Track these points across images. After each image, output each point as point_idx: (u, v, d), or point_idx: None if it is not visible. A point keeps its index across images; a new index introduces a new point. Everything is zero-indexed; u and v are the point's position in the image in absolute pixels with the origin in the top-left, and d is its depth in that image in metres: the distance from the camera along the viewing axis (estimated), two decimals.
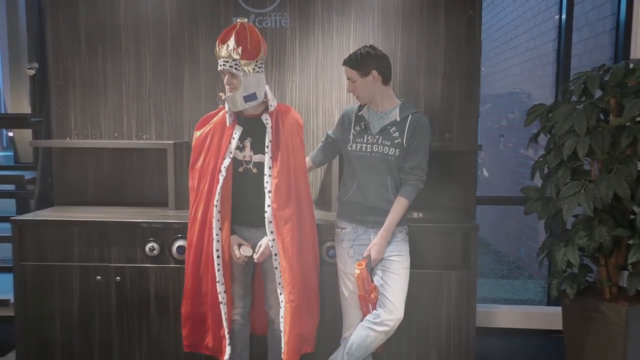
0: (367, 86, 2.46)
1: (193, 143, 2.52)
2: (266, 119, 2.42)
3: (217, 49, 2.33)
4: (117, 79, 3.32)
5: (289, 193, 2.40)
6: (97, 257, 2.89)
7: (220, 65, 2.34)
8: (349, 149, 2.53)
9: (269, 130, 2.41)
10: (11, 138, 4.08)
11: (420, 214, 3.02)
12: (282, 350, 2.39)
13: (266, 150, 2.40)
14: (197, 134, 2.51)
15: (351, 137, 2.54)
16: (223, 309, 2.42)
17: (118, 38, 3.28)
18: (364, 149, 2.50)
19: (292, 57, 3.28)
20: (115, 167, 3.35)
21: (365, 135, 2.50)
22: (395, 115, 2.49)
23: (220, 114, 2.51)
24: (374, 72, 2.44)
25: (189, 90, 3.32)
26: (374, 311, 2.44)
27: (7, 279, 3.05)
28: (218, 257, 2.41)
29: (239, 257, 2.43)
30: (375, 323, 2.42)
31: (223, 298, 2.41)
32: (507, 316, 3.57)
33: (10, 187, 4.00)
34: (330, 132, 2.72)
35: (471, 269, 2.78)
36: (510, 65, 6.30)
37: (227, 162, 2.39)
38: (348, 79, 2.49)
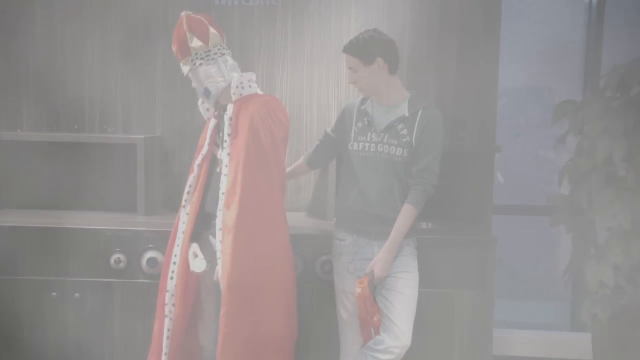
0: (371, 76, 2.45)
1: None
2: (228, 110, 2.41)
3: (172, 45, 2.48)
4: (78, 59, 3.26)
5: (238, 198, 2.31)
6: (52, 270, 2.85)
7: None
8: (350, 148, 2.53)
9: (226, 121, 2.39)
10: None
11: (429, 224, 3.02)
12: None
13: (224, 145, 2.38)
14: None
15: (352, 135, 2.53)
16: (167, 323, 2.38)
17: (79, 9, 3.23)
18: (367, 149, 2.49)
19: (282, 41, 3.27)
20: (74, 165, 3.28)
21: (369, 133, 2.50)
22: (404, 109, 2.48)
23: None
24: (379, 60, 2.44)
25: (163, 75, 3.29)
26: (377, 336, 2.43)
27: None
28: (174, 263, 2.40)
29: (191, 270, 2.39)
30: (378, 350, 2.40)
31: (170, 311, 2.37)
32: (528, 343, 3.59)
33: None
34: (328, 130, 2.71)
35: (487, 288, 2.79)
36: (530, 55, 6.30)
37: (199, 159, 2.43)
38: (349, 68, 2.49)
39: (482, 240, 2.83)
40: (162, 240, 2.70)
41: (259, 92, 2.49)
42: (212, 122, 2.48)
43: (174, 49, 2.45)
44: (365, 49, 2.43)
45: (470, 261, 2.84)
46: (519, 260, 6.09)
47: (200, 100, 2.52)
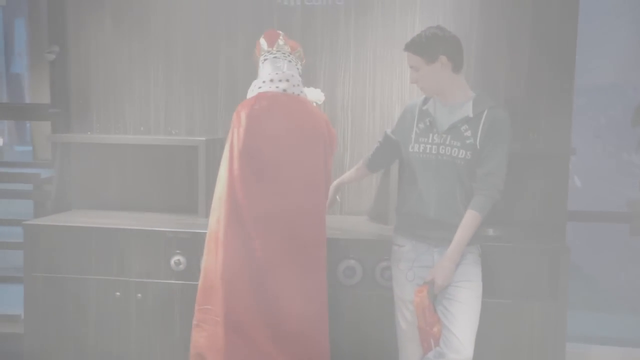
0: (434, 75, 2.38)
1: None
2: None
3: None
4: (145, 65, 3.36)
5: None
6: (116, 270, 2.91)
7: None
8: (411, 150, 2.46)
9: None
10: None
11: (496, 231, 2.92)
12: None
13: None
14: None
15: (413, 136, 2.46)
16: None
17: (146, 19, 3.32)
18: (428, 151, 2.42)
19: (345, 41, 3.25)
20: (140, 166, 3.38)
21: (431, 134, 2.43)
22: (468, 109, 2.40)
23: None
24: (443, 58, 2.37)
25: (224, 79, 3.32)
26: (437, 348, 2.36)
27: (18, 291, 3.10)
28: None
29: None
30: None
31: None
32: (605, 359, 3.41)
33: (27, 186, 4.12)
34: (389, 131, 2.66)
35: (560, 300, 2.70)
36: (612, 52, 6.00)
37: None
38: (411, 67, 2.43)
39: (554, 249, 2.74)
40: None
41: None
42: None
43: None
44: (428, 46, 2.36)
45: (541, 271, 2.73)
46: (597, 270, 5.82)
47: None
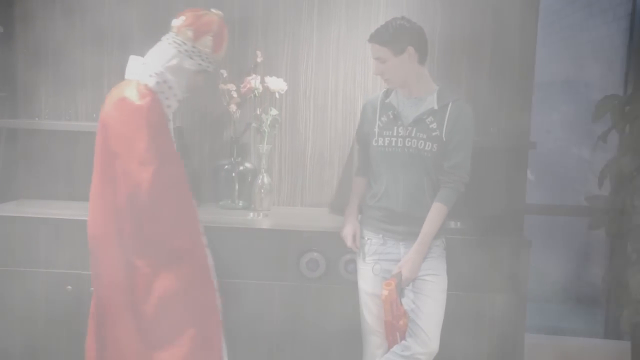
0: (401, 66, 2.37)
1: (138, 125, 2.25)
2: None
3: (219, 50, 2.40)
4: (98, 47, 3.21)
5: None
6: (67, 263, 2.81)
7: (211, 68, 2.42)
8: (375, 144, 2.45)
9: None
10: None
11: (459, 224, 2.94)
12: None
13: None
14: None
15: (377, 129, 2.45)
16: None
17: None
18: (393, 144, 2.41)
19: (308, 29, 3.19)
20: (91, 154, 3.15)
21: (395, 127, 2.42)
22: (433, 102, 2.40)
23: (145, 90, 2.29)
24: (410, 49, 2.35)
25: None
26: (403, 342, 2.36)
27: None
28: None
29: None
30: (403, 356, 2.34)
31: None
32: (562, 350, 3.50)
33: None
34: (356, 133, 2.66)
35: (520, 292, 2.74)
36: (565, 47, 6.12)
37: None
38: (376, 58, 2.40)
39: (514, 242, 2.77)
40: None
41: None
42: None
43: (223, 47, 2.43)
44: (396, 37, 2.34)
45: (501, 263, 2.75)
46: (551, 263, 5.96)
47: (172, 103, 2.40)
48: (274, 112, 3.06)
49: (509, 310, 2.74)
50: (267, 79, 3.05)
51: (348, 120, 3.19)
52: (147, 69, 2.32)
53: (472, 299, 2.73)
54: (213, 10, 2.42)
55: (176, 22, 2.37)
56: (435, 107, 2.37)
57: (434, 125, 2.37)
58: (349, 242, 2.51)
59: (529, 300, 2.81)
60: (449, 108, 2.37)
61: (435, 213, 2.37)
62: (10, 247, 2.83)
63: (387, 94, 2.49)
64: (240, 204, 3.13)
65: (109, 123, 2.28)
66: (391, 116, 2.43)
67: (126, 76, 2.37)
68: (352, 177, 2.71)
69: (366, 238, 2.49)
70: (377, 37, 2.36)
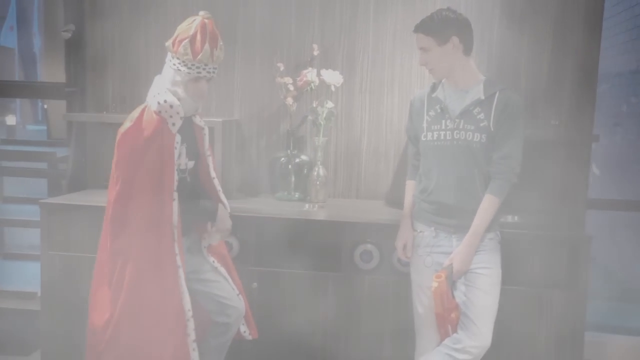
0: (445, 57, 2.37)
1: (123, 151, 2.32)
2: (199, 120, 2.51)
3: (199, 52, 2.30)
4: (162, 45, 3.28)
5: None
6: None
7: (205, 72, 2.35)
8: (424, 139, 2.46)
9: (207, 132, 2.53)
10: (45, 110, 4.20)
11: (516, 218, 2.91)
12: None
13: (208, 153, 2.54)
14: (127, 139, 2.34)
15: (425, 125, 2.46)
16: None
17: None
18: (442, 137, 2.41)
19: (364, 21, 3.22)
20: None
21: (443, 121, 2.42)
22: (479, 92, 2.39)
23: (146, 116, 2.35)
24: (454, 39, 2.36)
25: (241, 59, 3.31)
26: (454, 334, 2.35)
27: (35, 268, 3.16)
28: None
29: None
30: (455, 349, 2.33)
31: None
32: (623, 349, 3.41)
33: (42, 165, 4.14)
34: (406, 133, 2.66)
35: (579, 289, 2.70)
36: (634, 37, 5.88)
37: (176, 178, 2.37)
38: (421, 48, 2.41)
39: (574, 238, 2.72)
40: (239, 226, 2.70)
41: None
42: (178, 137, 2.38)
43: (218, 49, 2.38)
44: (440, 27, 2.35)
45: (560, 259, 2.71)
46: (615, 260, 5.76)
47: (178, 111, 2.36)
48: (329, 104, 3.10)
49: (568, 307, 2.70)
50: (323, 72, 3.09)
51: (404, 112, 3.15)
52: (154, 91, 2.39)
53: (529, 294, 2.71)
54: (201, 12, 2.36)
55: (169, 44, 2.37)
56: (482, 97, 2.36)
57: (481, 116, 2.36)
58: (399, 253, 2.55)
59: (589, 298, 2.76)
60: (495, 97, 2.36)
61: (487, 205, 2.35)
62: (79, 233, 2.95)
63: (433, 88, 2.49)
64: (297, 196, 3.19)
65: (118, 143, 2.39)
66: (438, 110, 2.43)
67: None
68: (407, 170, 2.70)
69: (418, 230, 2.50)
70: (422, 27, 2.37)
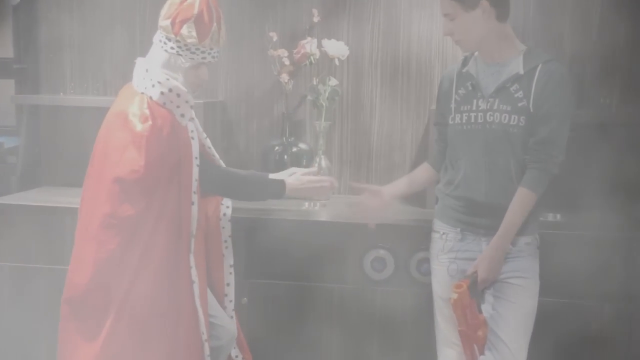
0: (474, 24, 2.38)
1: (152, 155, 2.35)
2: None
3: (206, 35, 2.38)
4: (129, 15, 3.40)
5: None
6: None
7: (210, 57, 2.43)
8: (451, 122, 2.50)
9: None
10: None
11: (558, 217, 2.95)
12: None
13: (204, 135, 2.60)
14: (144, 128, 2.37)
15: (453, 105, 2.50)
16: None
17: None
18: (472, 120, 2.45)
19: None
20: None
21: (474, 100, 2.45)
22: (518, 66, 2.40)
23: (155, 110, 2.39)
24: (484, 3, 2.35)
25: (225, 28, 3.33)
26: (482, 356, 2.38)
27: None
28: None
29: None
30: None
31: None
32: None
33: None
34: (435, 117, 2.69)
35: (636, 301, 2.74)
36: None
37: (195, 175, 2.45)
38: (445, 15, 2.43)
39: (632, 239, 2.76)
40: None
41: None
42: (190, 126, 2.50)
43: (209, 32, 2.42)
44: None
45: (615, 266, 2.76)
46: None
47: (186, 99, 2.46)
48: (333, 82, 3.14)
49: (623, 322, 2.74)
50: (325, 42, 3.13)
51: (423, 91, 3.27)
52: (149, 78, 2.40)
53: (575, 308, 2.76)
54: None
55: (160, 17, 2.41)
56: (521, 72, 2.37)
57: (519, 94, 2.38)
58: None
59: None
60: (537, 71, 2.37)
61: (520, 200, 2.35)
62: (32, 240, 3.00)
63: (465, 62, 2.52)
64: None
65: (108, 135, 2.43)
66: (469, 87, 2.45)
67: (134, 85, 2.46)
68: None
69: (441, 232, 2.53)
70: None
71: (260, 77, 3.34)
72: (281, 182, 2.61)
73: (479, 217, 2.46)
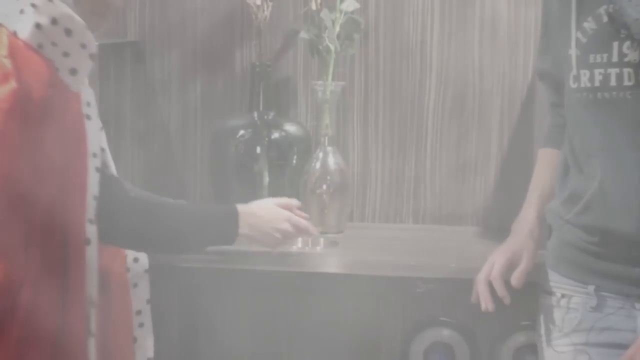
0: None
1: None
2: None
3: None
4: None
5: None
6: None
7: None
8: (573, 85, 2.49)
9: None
10: None
11: None
12: None
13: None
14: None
15: (574, 53, 2.47)
16: None
17: None
18: (613, 83, 2.42)
19: None
20: None
21: (614, 43, 2.43)
22: None
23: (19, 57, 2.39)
24: None
25: None
26: None
27: None
28: None
29: None
30: None
31: None
32: None
33: None
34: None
35: None
36: None
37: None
38: None
39: None
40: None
41: None
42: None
43: None
44: None
45: None
46: None
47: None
48: (350, 4, 3.19)
49: None
50: None
51: (509, 31, 3.43)
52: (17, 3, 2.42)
53: None
54: None
55: None
56: None
57: None
58: (480, 287, 2.61)
59: None
60: None
61: None
62: None
63: None
64: None
65: None
66: (604, 18, 2.46)
67: None
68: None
69: (559, 294, 2.55)
70: None
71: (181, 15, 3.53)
72: (232, 215, 2.81)
73: (631, 264, 2.44)
